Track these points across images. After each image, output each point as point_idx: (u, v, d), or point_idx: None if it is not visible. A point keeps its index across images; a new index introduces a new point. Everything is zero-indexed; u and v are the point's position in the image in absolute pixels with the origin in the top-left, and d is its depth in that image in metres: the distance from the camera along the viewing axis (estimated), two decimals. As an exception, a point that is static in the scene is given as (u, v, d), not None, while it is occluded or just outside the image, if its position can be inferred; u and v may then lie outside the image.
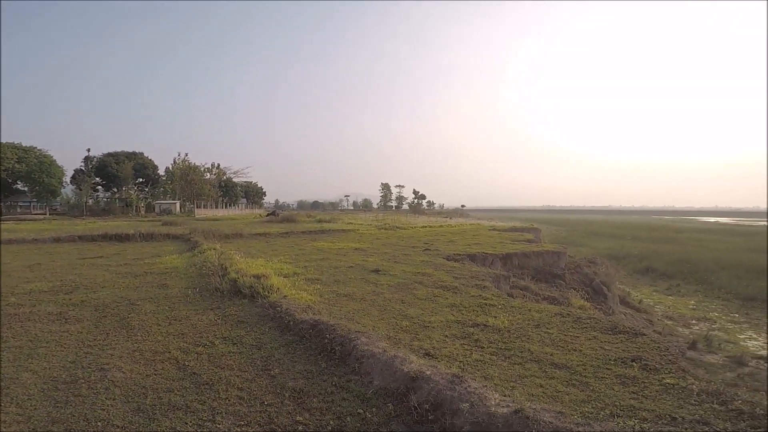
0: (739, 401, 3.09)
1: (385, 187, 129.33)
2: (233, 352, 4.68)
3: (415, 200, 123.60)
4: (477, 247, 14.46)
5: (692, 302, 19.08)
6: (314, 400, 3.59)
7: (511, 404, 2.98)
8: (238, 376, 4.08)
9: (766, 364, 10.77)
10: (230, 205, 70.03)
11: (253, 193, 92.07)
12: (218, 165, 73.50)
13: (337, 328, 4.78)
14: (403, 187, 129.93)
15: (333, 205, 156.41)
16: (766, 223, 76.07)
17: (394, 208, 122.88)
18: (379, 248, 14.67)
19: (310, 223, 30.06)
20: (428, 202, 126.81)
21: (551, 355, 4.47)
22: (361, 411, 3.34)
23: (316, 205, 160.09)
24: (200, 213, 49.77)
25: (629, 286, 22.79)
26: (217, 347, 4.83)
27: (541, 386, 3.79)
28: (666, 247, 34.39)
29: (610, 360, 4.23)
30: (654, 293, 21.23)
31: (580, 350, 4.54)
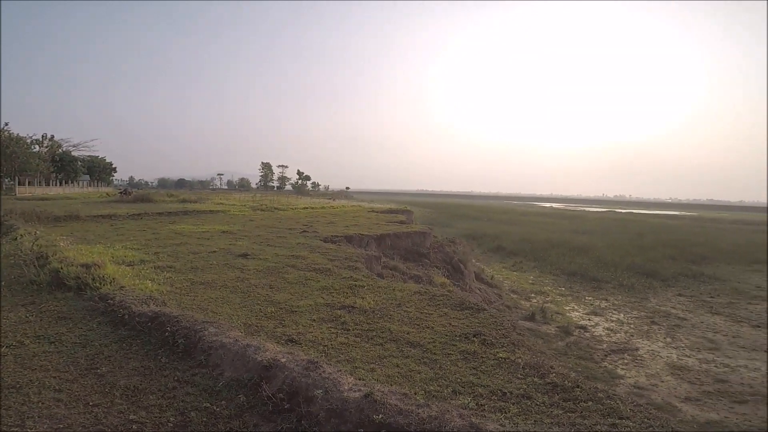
0: (554, 374, 3.60)
1: (266, 166, 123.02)
2: (49, 352, 4.06)
3: (299, 181, 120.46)
4: (355, 228, 14.68)
5: (531, 277, 22.26)
6: (152, 397, 3.31)
7: (362, 388, 3.04)
8: (55, 377, 3.58)
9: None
10: (67, 183, 58.56)
11: (98, 170, 78.29)
12: (51, 137, 60.12)
13: (182, 319, 4.38)
14: (286, 167, 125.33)
15: (203, 184, 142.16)
16: (585, 207, 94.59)
17: (275, 189, 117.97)
18: (251, 231, 13.81)
19: (170, 203, 26.79)
20: (313, 183, 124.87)
21: (408, 333, 4.72)
22: (209, 405, 3.21)
23: (181, 183, 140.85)
24: (24, 191, 40.33)
25: (484, 263, 25.83)
26: (27, 347, 4.15)
27: (398, 366, 3.95)
28: (513, 228, 39.95)
29: (456, 336, 4.62)
30: (503, 269, 24.37)
31: (433, 327, 4.89)
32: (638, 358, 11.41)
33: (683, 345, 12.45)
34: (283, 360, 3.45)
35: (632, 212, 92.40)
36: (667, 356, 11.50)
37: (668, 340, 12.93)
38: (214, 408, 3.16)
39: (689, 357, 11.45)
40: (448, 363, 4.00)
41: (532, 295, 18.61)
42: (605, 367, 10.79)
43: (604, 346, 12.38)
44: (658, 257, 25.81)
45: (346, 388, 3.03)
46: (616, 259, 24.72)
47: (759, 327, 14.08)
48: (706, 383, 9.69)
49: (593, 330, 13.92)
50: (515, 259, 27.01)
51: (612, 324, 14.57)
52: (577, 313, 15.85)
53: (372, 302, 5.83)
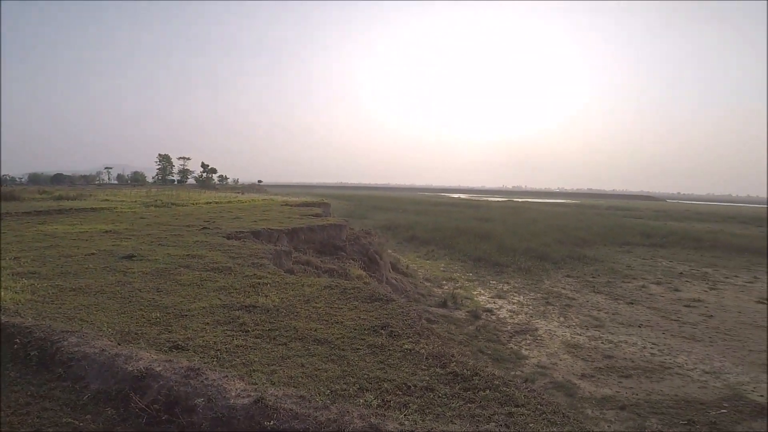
0: (454, 363, 3.61)
1: (164, 158, 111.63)
2: None
3: (204, 174, 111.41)
4: (264, 222, 13.83)
5: (442, 265, 23.19)
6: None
7: (252, 393, 2.80)
8: None
9: None
10: None
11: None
12: None
13: (35, 330, 3.84)
14: (188, 159, 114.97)
15: (87, 179, 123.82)
16: (488, 198, 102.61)
17: (175, 183, 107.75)
18: (141, 229, 12.24)
19: (42, 200, 22.89)
20: (220, 176, 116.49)
21: (315, 330, 4.43)
22: (71, 420, 2.94)
23: (59, 179, 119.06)
24: None
25: (399, 253, 26.38)
26: None
27: (302, 366, 3.71)
28: (425, 218, 41.64)
29: (365, 329, 4.46)
30: (417, 258, 25.10)
31: (342, 322, 4.66)
32: (538, 338, 12.39)
33: (574, 323, 13.79)
34: (158, 368, 3.19)
35: (527, 201, 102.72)
36: (562, 335, 12.65)
37: (561, 319, 14.24)
38: (77, 423, 2.91)
39: (580, 335, 12.67)
40: (356, 358, 3.83)
41: (444, 282, 19.36)
42: (511, 348, 11.54)
43: (509, 327, 13.26)
44: (549, 241, 28.76)
45: (233, 394, 2.83)
46: (514, 244, 26.97)
47: (632, 304, 16.10)
48: (597, 360, 10.75)
49: (498, 313, 14.87)
50: (428, 248, 27.96)
51: (514, 306, 15.72)
52: (483, 297, 16.82)
53: (277, 300, 5.40)
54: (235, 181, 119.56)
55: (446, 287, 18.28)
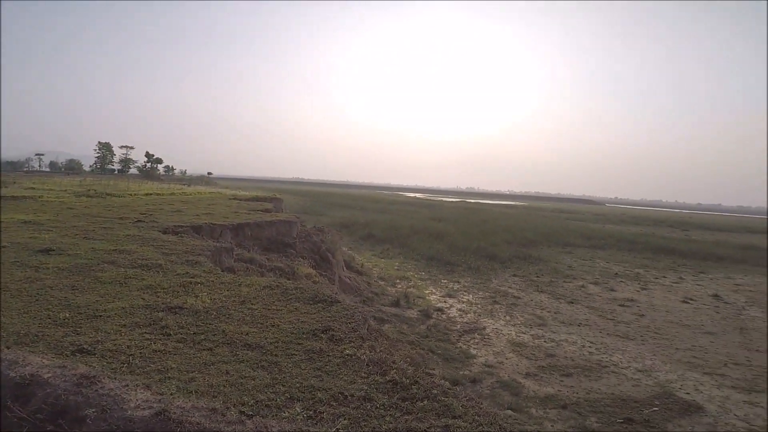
0: (394, 370, 3.42)
1: (105, 146, 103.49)
2: None
3: (148, 164, 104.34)
4: (207, 217, 13.01)
5: (396, 264, 23.23)
6: None
7: (155, 404, 2.50)
8: None
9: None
10: None
11: None
12: None
13: None
14: (131, 148, 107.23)
15: (15, 166, 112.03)
16: (443, 198, 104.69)
17: (116, 173, 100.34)
18: (66, 221, 11.08)
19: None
20: (166, 167, 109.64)
21: (247, 334, 4.08)
22: None
23: None
24: None
25: (355, 251, 26.14)
26: None
27: (227, 373, 3.37)
28: (382, 217, 41.68)
29: (303, 333, 4.17)
30: (373, 257, 24.95)
31: (279, 325, 4.33)
32: (486, 336, 12.64)
33: (519, 322, 14.23)
34: (47, 375, 2.88)
35: (480, 202, 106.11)
36: (508, 333, 12.99)
37: (508, 318, 14.66)
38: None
39: (525, 333, 13.08)
40: (290, 365, 3.54)
41: (398, 280, 19.37)
42: (460, 347, 11.66)
43: (458, 327, 13.44)
44: (498, 241, 29.74)
45: (132, 405, 2.55)
46: (465, 243, 27.61)
47: (572, 303, 16.92)
48: (540, 358, 11.11)
49: (449, 312, 15.05)
50: (384, 246, 27.93)
51: (463, 305, 15.99)
52: (435, 296, 17.00)
53: (208, 301, 4.96)
54: (183, 173, 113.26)
55: (399, 286, 18.29)
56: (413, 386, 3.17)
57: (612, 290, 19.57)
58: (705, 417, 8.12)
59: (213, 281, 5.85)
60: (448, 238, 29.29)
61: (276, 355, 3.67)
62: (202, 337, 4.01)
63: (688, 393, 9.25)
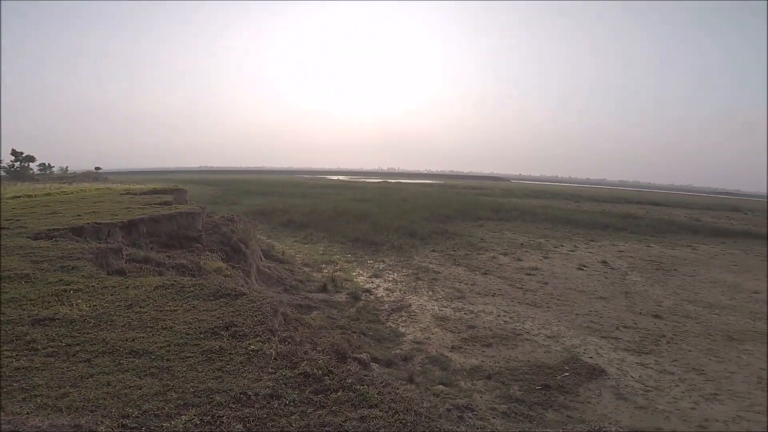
0: (305, 362, 3.19)
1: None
2: None
3: (17, 164, 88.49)
4: (91, 216, 11.30)
5: (321, 248, 22.65)
6: None
7: (4, 426, 2.15)
8: None
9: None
10: None
11: None
12: None
13: None
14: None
15: None
16: (365, 179, 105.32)
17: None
18: None
19: None
20: (41, 165, 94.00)
21: (133, 341, 3.54)
22: None
23: None
24: None
25: (275, 238, 25.03)
26: None
27: (109, 384, 2.93)
28: (303, 201, 40.49)
29: (201, 333, 3.75)
30: (295, 243, 24.07)
31: (172, 327, 3.82)
32: (412, 313, 12.90)
33: (441, 296, 14.74)
34: None
35: (400, 182, 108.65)
36: (432, 308, 13.38)
37: (430, 293, 15.11)
38: None
39: (446, 307, 13.56)
40: (184, 369, 3.15)
41: (323, 265, 18.97)
42: (390, 326, 11.76)
43: (386, 306, 13.55)
44: (417, 219, 30.67)
45: None
46: (388, 222, 28.01)
47: (486, 274, 17.94)
48: (462, 330, 11.58)
49: (376, 292, 15.12)
50: (306, 232, 27.16)
51: (389, 284, 16.18)
52: (362, 278, 16.96)
53: (86, 308, 4.24)
54: (64, 170, 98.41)
55: (326, 271, 17.93)
56: (326, 377, 2.98)
57: (519, 260, 21.09)
58: (609, 380, 8.92)
59: (94, 287, 5.02)
60: (372, 218, 29.44)
61: (168, 360, 3.23)
62: (78, 348, 3.42)
63: (591, 357, 10.10)
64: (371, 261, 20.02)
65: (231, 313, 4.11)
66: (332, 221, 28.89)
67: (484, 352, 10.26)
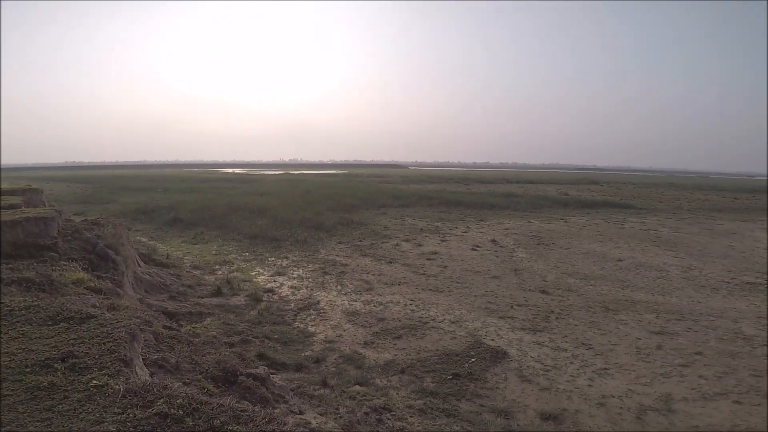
0: (162, 400, 2.44)
1: None
2: None
3: None
4: None
5: (214, 248, 20.48)
6: None
7: None
8: None
9: None
10: None
11: None
12: None
13: None
14: None
15: None
16: (265, 171, 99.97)
17: None
18: None
19: None
20: None
21: None
22: None
23: None
24: None
25: (158, 240, 22.16)
26: None
27: None
28: (191, 197, 36.77)
29: (28, 366, 2.79)
30: (182, 244, 21.51)
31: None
32: (321, 311, 12.22)
33: (350, 290, 14.23)
34: None
35: (303, 173, 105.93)
36: (342, 304, 12.83)
37: (339, 287, 14.52)
38: None
39: (356, 301, 13.10)
40: (2, 409, 2.21)
41: (217, 266, 17.17)
42: (298, 327, 10.96)
43: (293, 305, 12.66)
44: (322, 210, 29.87)
45: None
46: (290, 216, 26.72)
47: (391, 263, 17.84)
48: (373, 324, 11.21)
49: (280, 291, 14.10)
50: (196, 230, 24.48)
51: (294, 281, 15.23)
52: (263, 277, 15.71)
53: None
54: None
55: (220, 272, 16.23)
56: (188, 418, 2.29)
57: (420, 245, 21.53)
58: (511, 362, 9.14)
59: None
60: (272, 212, 27.80)
61: (-22, 400, 2.21)
62: None
63: (492, 340, 10.31)
64: (273, 258, 18.75)
65: (71, 341, 3.14)
66: (227, 217, 26.65)
67: (395, 344, 10.06)
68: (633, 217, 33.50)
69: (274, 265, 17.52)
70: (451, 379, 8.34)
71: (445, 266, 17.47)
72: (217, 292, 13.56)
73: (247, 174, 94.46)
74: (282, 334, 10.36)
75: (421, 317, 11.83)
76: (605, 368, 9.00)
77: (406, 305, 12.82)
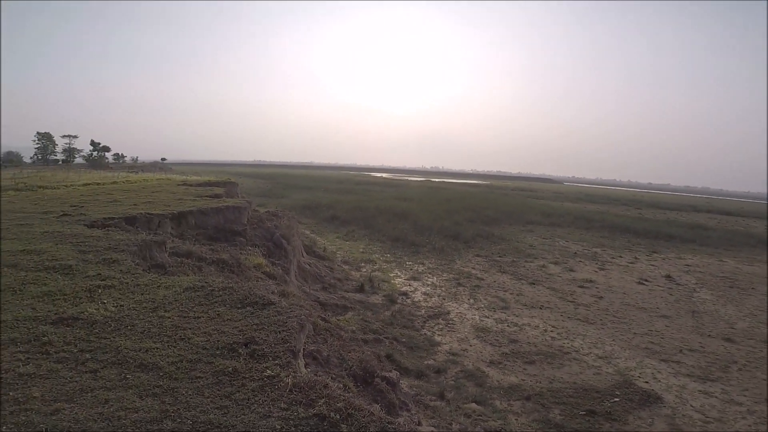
0: (323, 401, 2.82)
1: (45, 137, 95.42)
2: None
3: (94, 153, 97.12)
4: (146, 206, 11.83)
5: (362, 246, 22.49)
6: None
7: None
8: None
9: None
10: None
11: None
12: None
13: None
14: (75, 137, 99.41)
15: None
16: (408, 177, 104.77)
17: (60, 163, 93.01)
18: (-28, 216, 9.66)
19: None
20: (116, 155, 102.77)
21: (146, 351, 3.39)
22: None
23: None
24: None
25: (318, 233, 25.32)
26: None
27: (107, 402, 2.73)
28: (347, 197, 40.82)
29: (218, 348, 3.52)
30: (336, 239, 24.18)
31: (190, 338, 3.65)
32: (450, 322, 12.31)
33: (483, 305, 13.97)
34: None
35: (444, 181, 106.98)
36: (472, 318, 12.70)
37: (471, 301, 14.38)
38: None
39: (488, 318, 12.81)
40: (191, 392, 2.90)
41: (362, 264, 18.81)
42: (425, 334, 11.28)
43: (423, 312, 13.06)
44: (461, 220, 29.73)
45: None
46: (430, 222, 27.41)
47: (534, 284, 16.86)
48: (504, 344, 10.86)
49: (413, 296, 14.67)
50: (348, 228, 27.23)
51: (428, 288, 15.65)
52: (400, 280, 16.57)
53: (112, 309, 4.19)
54: (134, 160, 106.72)
55: (364, 270, 17.78)
56: (343, 424, 2.59)
57: (571, 270, 19.69)
58: (663, 408, 8.05)
59: (127, 284, 5.04)
60: (413, 218, 29.00)
61: (176, 379, 3.02)
62: (89, 356, 3.30)
63: (646, 382, 9.17)
64: (410, 262, 19.58)
65: (254, 326, 3.87)
66: (374, 219, 28.77)
67: (525, 369, 9.53)
68: None
69: (411, 269, 18.29)
70: (583, 414, 7.57)
71: (601, 297, 15.74)
72: (360, 289, 14.87)
73: (393, 179, 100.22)
74: (409, 339, 10.75)
75: (562, 346, 10.94)
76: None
77: (546, 331, 12.01)
